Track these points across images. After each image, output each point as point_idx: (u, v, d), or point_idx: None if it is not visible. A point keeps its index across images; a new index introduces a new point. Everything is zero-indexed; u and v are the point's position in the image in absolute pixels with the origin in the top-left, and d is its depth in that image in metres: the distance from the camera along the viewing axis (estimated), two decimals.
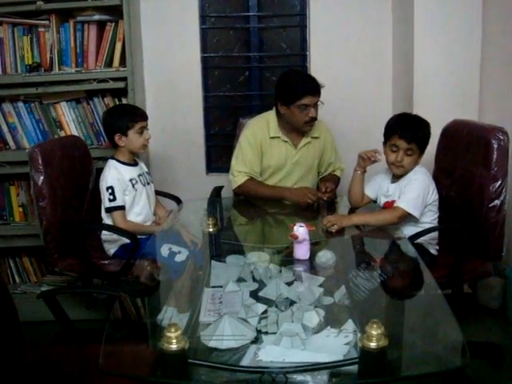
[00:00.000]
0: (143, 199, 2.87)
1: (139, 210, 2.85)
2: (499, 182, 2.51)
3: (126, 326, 1.93)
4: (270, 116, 3.12)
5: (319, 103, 2.99)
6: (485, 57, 3.23)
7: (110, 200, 2.73)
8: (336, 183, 3.18)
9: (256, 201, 3.15)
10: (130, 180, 2.82)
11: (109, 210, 2.76)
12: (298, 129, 3.06)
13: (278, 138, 3.09)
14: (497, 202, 2.53)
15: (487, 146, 2.53)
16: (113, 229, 2.78)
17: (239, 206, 3.15)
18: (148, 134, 2.83)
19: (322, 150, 3.20)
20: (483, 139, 2.58)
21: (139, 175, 2.88)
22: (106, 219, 2.81)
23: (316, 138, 3.16)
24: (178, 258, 2.29)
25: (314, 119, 3.00)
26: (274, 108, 3.11)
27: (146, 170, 2.98)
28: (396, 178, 2.72)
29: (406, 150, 2.58)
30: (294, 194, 3.01)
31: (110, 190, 2.73)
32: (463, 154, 2.76)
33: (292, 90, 2.94)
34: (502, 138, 2.50)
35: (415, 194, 2.57)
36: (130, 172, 2.84)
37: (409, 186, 2.60)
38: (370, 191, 2.84)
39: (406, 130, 2.59)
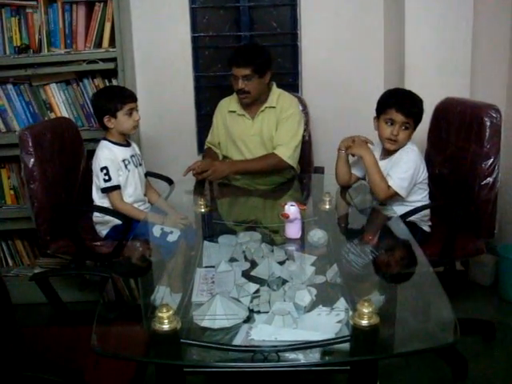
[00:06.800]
0: (135, 180, 2.85)
1: (132, 192, 2.82)
2: (492, 160, 2.52)
3: (119, 307, 1.93)
4: None
5: None
6: (476, 34, 3.21)
7: (106, 180, 2.70)
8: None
9: (245, 180, 3.15)
10: (123, 160, 2.79)
11: (105, 191, 2.73)
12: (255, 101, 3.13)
13: (235, 112, 3.20)
14: (489, 179, 2.54)
15: (480, 124, 2.54)
16: (104, 210, 2.77)
17: (229, 186, 3.14)
18: (137, 115, 2.80)
19: (278, 121, 3.15)
20: (476, 117, 2.58)
21: (131, 156, 2.85)
22: (98, 200, 2.80)
23: (271, 107, 3.14)
24: (170, 238, 2.29)
25: (242, 91, 3.04)
26: None
27: (138, 151, 2.96)
28: (385, 154, 2.70)
29: (402, 124, 2.57)
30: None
31: (104, 171, 2.70)
32: (456, 132, 2.76)
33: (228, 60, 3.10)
34: (494, 115, 2.50)
35: (406, 174, 2.56)
36: (122, 152, 2.81)
37: (400, 165, 2.59)
38: (356, 170, 2.83)
39: (403, 103, 2.57)
